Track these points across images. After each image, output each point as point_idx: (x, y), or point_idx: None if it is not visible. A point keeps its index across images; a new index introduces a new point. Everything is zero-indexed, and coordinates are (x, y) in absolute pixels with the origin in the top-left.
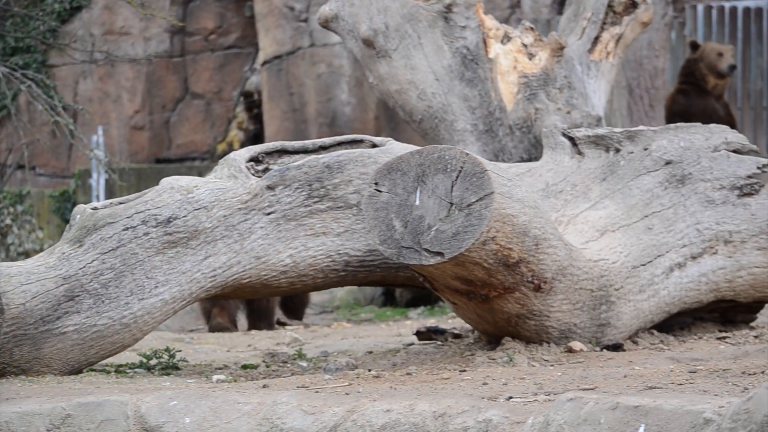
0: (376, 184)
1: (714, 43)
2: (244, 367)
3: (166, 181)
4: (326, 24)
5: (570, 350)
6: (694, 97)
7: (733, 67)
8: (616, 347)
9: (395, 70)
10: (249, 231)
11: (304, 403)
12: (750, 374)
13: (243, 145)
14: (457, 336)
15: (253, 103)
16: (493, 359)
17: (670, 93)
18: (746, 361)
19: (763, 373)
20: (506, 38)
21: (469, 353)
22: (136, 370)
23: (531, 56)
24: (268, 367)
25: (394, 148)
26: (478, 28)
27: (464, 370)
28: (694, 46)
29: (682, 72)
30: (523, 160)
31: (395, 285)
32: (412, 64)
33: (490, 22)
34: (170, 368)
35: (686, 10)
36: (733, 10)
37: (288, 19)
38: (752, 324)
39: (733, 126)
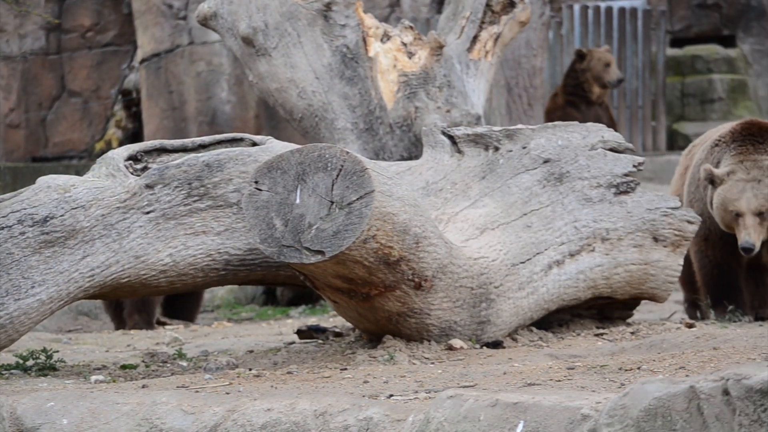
0: (256, 182)
1: (599, 51)
2: (123, 367)
3: (42, 180)
4: (205, 22)
5: (450, 348)
6: (584, 108)
7: (620, 81)
8: (496, 344)
9: (275, 69)
10: (128, 230)
11: (184, 403)
12: (626, 370)
13: (121, 143)
14: (338, 334)
15: (131, 102)
16: (374, 357)
17: (555, 102)
18: (623, 357)
19: (639, 369)
20: (386, 37)
21: (351, 352)
22: (12, 371)
23: (411, 55)
24: (147, 367)
25: (274, 147)
26: (358, 26)
27: (345, 369)
28: (581, 55)
29: (568, 82)
30: (403, 159)
31: (276, 284)
32: (292, 63)
33: (369, 20)
34: (47, 369)
35: (563, 10)
36: (609, 10)
37: (166, 17)
38: (629, 320)
39: (614, 129)
